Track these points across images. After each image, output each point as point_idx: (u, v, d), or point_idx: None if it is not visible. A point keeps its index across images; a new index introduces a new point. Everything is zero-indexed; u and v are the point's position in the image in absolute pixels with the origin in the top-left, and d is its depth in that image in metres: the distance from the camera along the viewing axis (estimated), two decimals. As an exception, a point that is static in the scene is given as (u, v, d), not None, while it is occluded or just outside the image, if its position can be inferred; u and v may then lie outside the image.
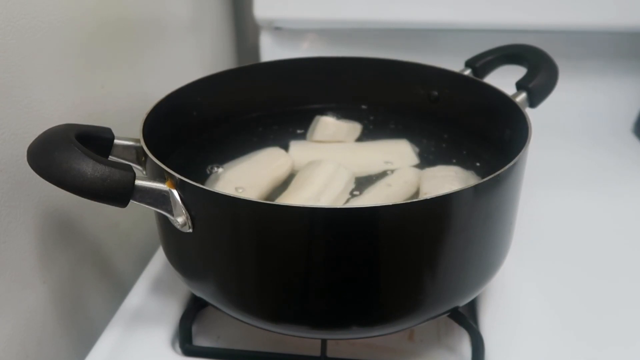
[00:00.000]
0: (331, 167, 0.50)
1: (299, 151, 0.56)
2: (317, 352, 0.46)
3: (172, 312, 0.51)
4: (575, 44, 0.81)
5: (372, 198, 0.48)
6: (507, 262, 0.47)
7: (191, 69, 0.77)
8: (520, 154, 0.41)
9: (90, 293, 0.56)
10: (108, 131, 0.44)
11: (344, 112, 0.62)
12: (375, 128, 0.60)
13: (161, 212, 0.39)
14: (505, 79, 0.54)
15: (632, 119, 0.83)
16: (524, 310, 0.50)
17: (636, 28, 0.76)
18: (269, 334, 0.44)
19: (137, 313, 0.51)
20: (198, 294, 0.45)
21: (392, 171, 0.52)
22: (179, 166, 0.45)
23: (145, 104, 0.49)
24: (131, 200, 0.37)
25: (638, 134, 0.81)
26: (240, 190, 0.49)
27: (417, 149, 0.56)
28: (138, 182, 0.37)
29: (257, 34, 0.87)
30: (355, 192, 0.49)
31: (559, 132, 0.79)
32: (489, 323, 0.49)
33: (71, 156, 0.36)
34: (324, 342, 0.47)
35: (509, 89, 0.52)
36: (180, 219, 0.39)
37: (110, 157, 0.44)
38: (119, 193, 0.36)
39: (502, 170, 0.38)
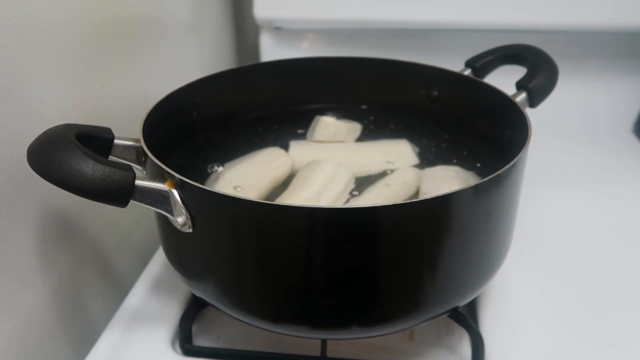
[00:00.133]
0: (331, 167, 0.50)
1: (299, 151, 0.56)
2: (317, 352, 0.46)
3: (172, 312, 0.51)
4: (575, 44, 0.81)
5: (372, 198, 0.48)
6: (507, 262, 0.47)
7: (191, 69, 0.77)
8: (520, 154, 0.41)
9: (90, 293, 0.56)
10: (108, 131, 0.44)
11: (344, 112, 0.62)
12: (375, 128, 0.60)
13: (161, 212, 0.39)
14: (505, 79, 0.54)
15: (632, 119, 0.83)
16: (524, 310, 0.50)
17: (636, 28, 0.76)
18: (269, 334, 0.44)
19: (137, 313, 0.51)
20: (198, 294, 0.45)
21: (392, 171, 0.52)
22: (179, 166, 0.45)
23: (145, 104, 0.49)
24: (131, 200, 0.37)
25: (638, 134, 0.81)
26: (239, 190, 0.49)
27: (417, 149, 0.56)
28: (138, 182, 0.37)
29: (257, 34, 0.87)
30: (355, 192, 0.49)
31: (559, 132, 0.79)
32: (489, 323, 0.49)
33: (71, 156, 0.36)
34: (324, 342, 0.47)
35: (509, 89, 0.52)
36: (180, 219, 0.39)
37: (110, 157, 0.44)
38: (119, 193, 0.36)
39: (502, 170, 0.38)
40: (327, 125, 0.59)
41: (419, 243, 0.38)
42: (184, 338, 0.47)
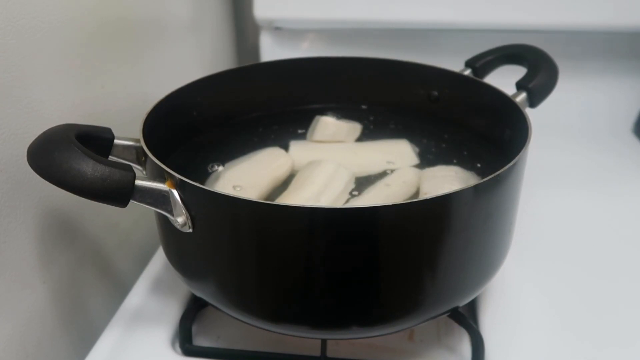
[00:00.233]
0: (331, 167, 0.50)
1: (299, 151, 0.56)
2: (317, 352, 0.46)
3: (172, 312, 0.51)
4: (575, 44, 0.81)
5: (372, 198, 0.48)
6: (507, 262, 0.47)
7: (191, 69, 0.77)
8: (520, 154, 0.41)
9: (90, 293, 0.56)
10: (108, 131, 0.44)
11: (344, 112, 0.62)
12: (375, 128, 0.60)
13: (161, 212, 0.39)
14: (505, 79, 0.54)
15: (632, 119, 0.83)
16: (524, 310, 0.50)
17: (636, 28, 0.76)
18: (269, 334, 0.44)
19: (137, 313, 0.51)
20: (198, 294, 0.45)
21: (392, 171, 0.52)
22: (179, 166, 0.45)
23: (145, 104, 0.49)
24: (131, 200, 0.37)
25: (638, 134, 0.81)
26: (238, 189, 0.49)
27: (417, 149, 0.56)
28: (138, 182, 0.37)
29: (257, 34, 0.87)
30: (355, 192, 0.49)
31: (559, 132, 0.79)
32: (489, 323, 0.49)
33: (71, 156, 0.36)
34: (324, 342, 0.47)
35: (509, 89, 0.52)
36: (180, 219, 0.39)
37: (110, 157, 0.44)
38: (119, 193, 0.36)
39: (502, 170, 0.38)
40: (327, 125, 0.59)
41: (419, 243, 0.38)
42: (184, 338, 0.47)
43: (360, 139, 0.59)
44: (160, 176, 0.39)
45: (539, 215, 0.62)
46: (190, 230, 0.39)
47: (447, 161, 0.53)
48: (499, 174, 0.38)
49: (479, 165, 0.53)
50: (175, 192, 0.38)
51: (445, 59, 0.61)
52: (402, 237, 0.37)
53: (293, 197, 0.47)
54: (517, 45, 0.58)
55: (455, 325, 0.47)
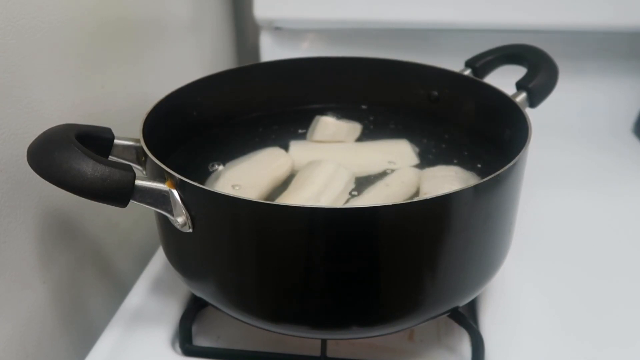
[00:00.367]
0: (331, 167, 0.50)
1: (299, 151, 0.56)
2: (317, 352, 0.46)
3: (172, 312, 0.51)
4: (575, 44, 0.81)
5: (372, 198, 0.48)
6: (507, 262, 0.47)
7: (191, 69, 0.77)
8: (520, 154, 0.41)
9: (90, 293, 0.56)
10: (108, 131, 0.44)
11: (344, 112, 0.62)
12: (375, 128, 0.60)
13: (161, 212, 0.39)
14: (505, 79, 0.54)
15: (632, 119, 0.83)
16: (524, 310, 0.50)
17: (636, 28, 0.76)
18: (269, 334, 0.44)
19: (137, 313, 0.51)
20: (198, 294, 0.45)
21: (392, 171, 0.52)
22: (179, 166, 0.45)
23: (145, 104, 0.49)
24: (131, 200, 0.37)
25: (638, 134, 0.81)
26: (237, 188, 0.49)
27: (417, 149, 0.56)
28: (138, 182, 0.37)
29: (257, 34, 0.87)
30: (354, 193, 0.49)
31: (559, 132, 0.79)
32: (489, 323, 0.49)
33: (71, 156, 0.36)
34: (324, 342, 0.47)
35: (509, 89, 0.52)
36: (180, 219, 0.39)
37: (110, 157, 0.44)
38: (119, 193, 0.36)
39: (502, 170, 0.38)
40: (327, 125, 0.59)
41: (419, 243, 0.38)
42: (184, 338, 0.47)
43: (360, 139, 0.59)
44: (160, 176, 0.39)
45: (539, 215, 0.62)
46: (190, 230, 0.39)
47: (447, 161, 0.53)
48: (499, 174, 0.38)
49: (479, 165, 0.53)
50: (175, 192, 0.38)
51: (445, 59, 0.61)
52: (402, 237, 0.37)
53: (293, 197, 0.47)
54: (517, 45, 0.58)
55: (455, 325, 0.47)
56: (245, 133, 0.59)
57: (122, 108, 0.59)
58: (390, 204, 0.35)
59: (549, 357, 0.46)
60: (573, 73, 0.79)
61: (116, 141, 0.44)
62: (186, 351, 0.47)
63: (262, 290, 0.41)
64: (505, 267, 0.47)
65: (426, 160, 0.54)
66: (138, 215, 0.64)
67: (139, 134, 0.43)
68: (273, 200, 0.48)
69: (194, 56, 0.79)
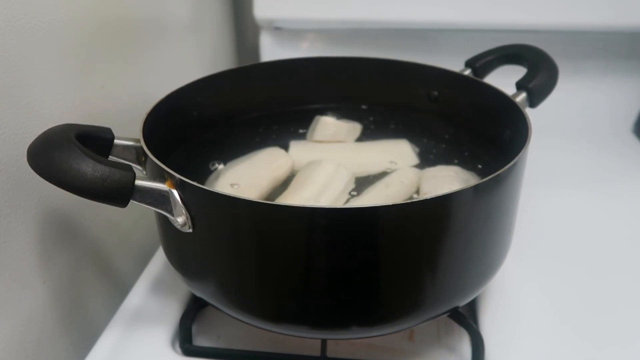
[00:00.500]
0: (331, 167, 0.50)
1: (299, 151, 0.56)
2: (317, 352, 0.46)
3: (172, 312, 0.51)
4: (575, 44, 0.81)
5: (371, 198, 0.48)
6: (507, 262, 0.47)
7: (191, 69, 0.77)
8: (520, 154, 0.41)
9: (90, 293, 0.56)
10: (108, 131, 0.44)
11: (344, 112, 0.62)
12: (375, 128, 0.60)
13: (161, 212, 0.39)
14: (505, 79, 0.54)
15: (632, 119, 0.83)
16: (524, 310, 0.50)
17: (636, 28, 0.76)
18: (269, 334, 0.44)
19: (137, 313, 0.51)
20: (198, 294, 0.45)
21: (392, 171, 0.52)
22: (179, 166, 0.45)
23: (145, 104, 0.49)
24: (131, 200, 0.37)
25: (638, 134, 0.81)
26: (236, 187, 0.49)
27: (417, 149, 0.56)
28: (138, 182, 0.37)
29: (257, 34, 0.87)
30: (353, 193, 0.49)
31: (559, 132, 0.79)
32: (489, 323, 0.49)
33: (71, 156, 0.36)
34: (324, 342, 0.47)
35: (509, 89, 0.52)
36: (180, 219, 0.39)
37: (110, 157, 0.44)
38: (119, 193, 0.36)
39: (502, 170, 0.38)
40: (327, 125, 0.59)
41: (419, 243, 0.38)
42: (184, 338, 0.47)
43: (360, 139, 0.59)
44: (160, 176, 0.39)
45: (539, 215, 0.62)
46: (190, 230, 0.39)
47: (447, 161, 0.53)
48: (499, 174, 0.38)
49: (479, 165, 0.53)
50: (175, 192, 0.38)
51: (445, 59, 0.61)
52: (402, 237, 0.37)
53: (293, 197, 0.47)
54: (517, 45, 0.58)
55: (455, 325, 0.47)
56: (245, 133, 0.59)
57: (122, 108, 0.59)
58: (390, 204, 0.35)
59: (549, 357, 0.46)
60: (573, 73, 0.79)
61: (116, 141, 0.44)
62: (186, 351, 0.47)
63: (262, 290, 0.41)
64: (505, 267, 0.47)
65: (426, 160, 0.54)
66: (138, 215, 0.64)
67: (139, 134, 0.43)
68: (273, 200, 0.48)
69: (194, 56, 0.79)
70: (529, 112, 0.48)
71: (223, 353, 0.48)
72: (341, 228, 0.36)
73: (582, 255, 0.57)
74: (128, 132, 0.47)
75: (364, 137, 0.59)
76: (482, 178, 0.38)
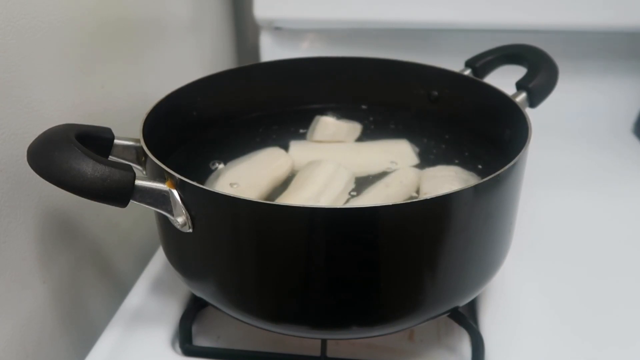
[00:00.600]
0: (331, 167, 0.50)
1: (299, 151, 0.56)
2: (317, 352, 0.46)
3: (172, 312, 0.51)
4: (575, 44, 0.81)
5: (371, 198, 0.48)
6: (507, 262, 0.47)
7: (191, 69, 0.77)
8: (520, 154, 0.41)
9: (90, 293, 0.56)
10: (108, 131, 0.44)
11: (344, 112, 0.62)
12: (375, 128, 0.60)
13: (161, 212, 0.39)
14: (505, 79, 0.54)
15: (632, 119, 0.83)
16: (524, 310, 0.50)
17: (636, 28, 0.76)
18: (269, 334, 0.44)
19: (137, 313, 0.51)
20: (198, 294, 0.45)
21: (392, 171, 0.52)
22: (179, 166, 0.45)
23: (145, 104, 0.49)
24: (131, 200, 0.37)
25: (638, 134, 0.81)
26: (235, 186, 0.49)
27: (417, 149, 0.56)
28: (138, 182, 0.37)
29: (257, 34, 0.87)
30: (353, 193, 0.49)
31: (559, 132, 0.79)
32: (489, 323, 0.49)
33: (71, 156, 0.36)
34: (324, 342, 0.47)
35: (509, 89, 0.52)
36: (180, 219, 0.39)
37: (110, 157, 0.44)
38: (119, 193, 0.36)
39: (502, 170, 0.38)
40: (327, 125, 0.59)
41: (419, 243, 0.38)
42: (184, 338, 0.47)
43: (360, 139, 0.59)
44: (160, 176, 0.39)
45: (539, 215, 0.62)
46: (190, 230, 0.39)
47: (447, 161, 0.53)
48: (499, 174, 0.38)
49: (479, 165, 0.52)
50: (175, 192, 0.38)
51: (445, 59, 0.61)
52: (402, 237, 0.37)
53: (293, 197, 0.47)
54: (517, 45, 0.58)
55: (455, 325, 0.47)
56: (245, 133, 0.59)
57: (122, 108, 0.59)
58: (390, 204, 0.35)
59: (549, 357, 0.46)
60: (573, 73, 0.79)
61: (116, 141, 0.44)
62: (186, 351, 0.47)
63: (262, 290, 0.41)
64: (505, 267, 0.47)
65: (426, 160, 0.54)
66: (138, 215, 0.64)
67: (139, 134, 0.43)
68: (273, 200, 0.48)
69: (194, 56, 0.79)
70: (529, 112, 0.48)
71: (223, 353, 0.48)
72: (341, 228, 0.36)
73: (582, 255, 0.57)
74: (128, 132, 0.47)
75: (364, 137, 0.59)
76: (482, 178, 0.38)
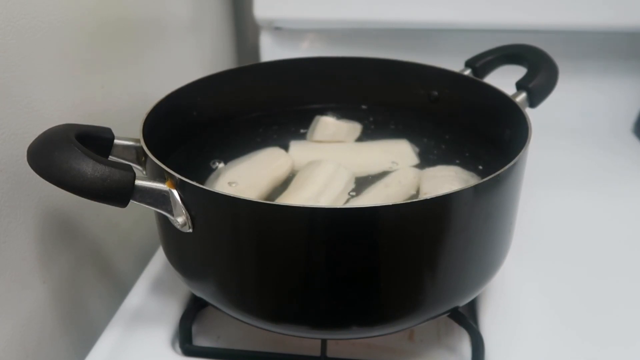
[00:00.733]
0: (331, 167, 0.50)
1: (299, 151, 0.56)
2: (317, 352, 0.46)
3: (172, 312, 0.51)
4: (575, 44, 0.81)
5: (371, 198, 0.48)
6: (507, 262, 0.47)
7: (191, 69, 0.77)
8: (520, 154, 0.41)
9: (90, 293, 0.56)
10: (108, 131, 0.44)
11: (344, 112, 0.62)
12: (375, 128, 0.60)
13: (161, 212, 0.39)
14: (505, 79, 0.54)
15: (632, 119, 0.83)
16: (524, 310, 0.50)
17: (636, 28, 0.76)
18: (269, 334, 0.44)
19: (137, 313, 0.51)
20: (198, 294, 0.45)
21: (392, 171, 0.52)
22: (179, 166, 0.45)
23: (145, 104, 0.49)
24: (131, 200, 0.37)
25: (638, 134, 0.81)
26: (234, 185, 0.49)
27: (417, 149, 0.56)
28: (138, 182, 0.37)
29: (257, 34, 0.87)
30: (353, 193, 0.49)
31: (559, 132, 0.79)
32: (489, 323, 0.49)
33: (71, 156, 0.36)
34: (324, 342, 0.47)
35: (509, 89, 0.52)
36: (180, 219, 0.39)
37: (110, 157, 0.44)
38: (119, 193, 0.36)
39: (502, 170, 0.38)
40: (327, 125, 0.59)
41: (419, 243, 0.38)
42: (184, 338, 0.47)
43: (360, 139, 0.59)
44: (160, 176, 0.39)
45: (539, 215, 0.62)
46: (190, 230, 0.39)
47: (447, 161, 0.53)
48: (499, 174, 0.38)
49: (479, 165, 0.52)
50: (175, 192, 0.38)
51: (445, 59, 0.61)
52: (402, 237, 0.37)
53: (293, 197, 0.47)
54: (517, 45, 0.58)
55: (455, 325, 0.47)
56: (245, 133, 0.59)
57: (122, 108, 0.59)
58: (390, 204, 0.35)
59: (549, 357, 0.46)
60: (573, 73, 0.79)
61: (116, 141, 0.44)
62: (186, 351, 0.47)
63: (262, 290, 0.41)
64: (505, 267, 0.47)
65: (426, 160, 0.54)
66: (138, 215, 0.64)
67: (139, 134, 0.43)
68: (273, 200, 0.48)
69: (194, 56, 0.79)
70: (529, 112, 0.48)
71: (223, 353, 0.48)
72: (341, 228, 0.36)
73: (582, 255, 0.57)
74: (128, 132, 0.47)
75: (364, 137, 0.59)
76: (482, 178, 0.38)
